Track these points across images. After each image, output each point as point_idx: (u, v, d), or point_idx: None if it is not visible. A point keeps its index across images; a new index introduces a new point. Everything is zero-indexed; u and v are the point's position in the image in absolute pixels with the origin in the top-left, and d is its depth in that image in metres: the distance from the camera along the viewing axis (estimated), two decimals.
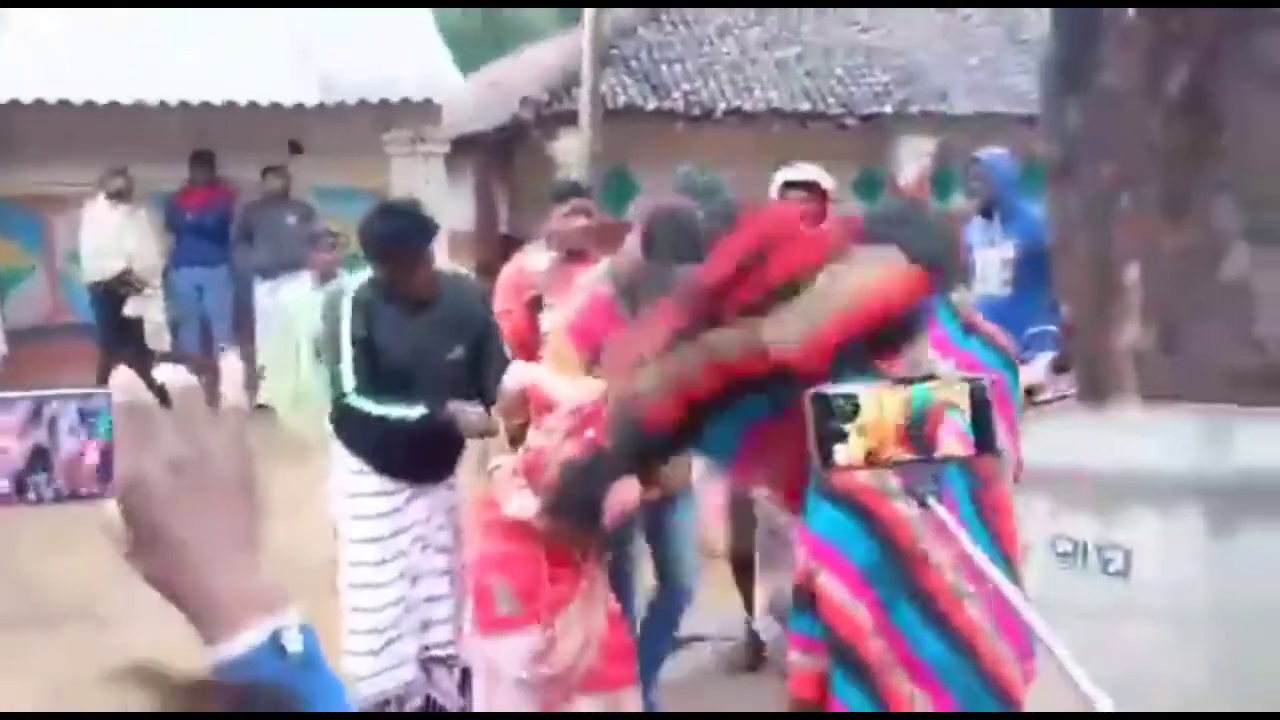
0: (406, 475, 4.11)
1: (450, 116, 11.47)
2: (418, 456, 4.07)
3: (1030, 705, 2.58)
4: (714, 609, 5.04)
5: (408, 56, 10.78)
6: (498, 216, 17.30)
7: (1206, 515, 3.49)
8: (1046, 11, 4.87)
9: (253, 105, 10.09)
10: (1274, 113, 4.23)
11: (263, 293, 10.16)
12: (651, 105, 13.52)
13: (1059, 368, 5.24)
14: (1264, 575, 3.46)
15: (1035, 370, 5.09)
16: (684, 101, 13.64)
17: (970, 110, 14.21)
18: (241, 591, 0.86)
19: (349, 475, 4.18)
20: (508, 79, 15.44)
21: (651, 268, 3.76)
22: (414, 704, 4.16)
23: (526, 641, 3.64)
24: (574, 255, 4.72)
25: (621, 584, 4.12)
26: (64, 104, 9.72)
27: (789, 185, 4.80)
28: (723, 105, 13.67)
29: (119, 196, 9.83)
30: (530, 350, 4.63)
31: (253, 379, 10.23)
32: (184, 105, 10.00)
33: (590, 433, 3.58)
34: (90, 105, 9.75)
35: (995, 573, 1.61)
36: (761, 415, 2.48)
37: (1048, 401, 4.88)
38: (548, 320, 4.77)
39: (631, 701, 3.83)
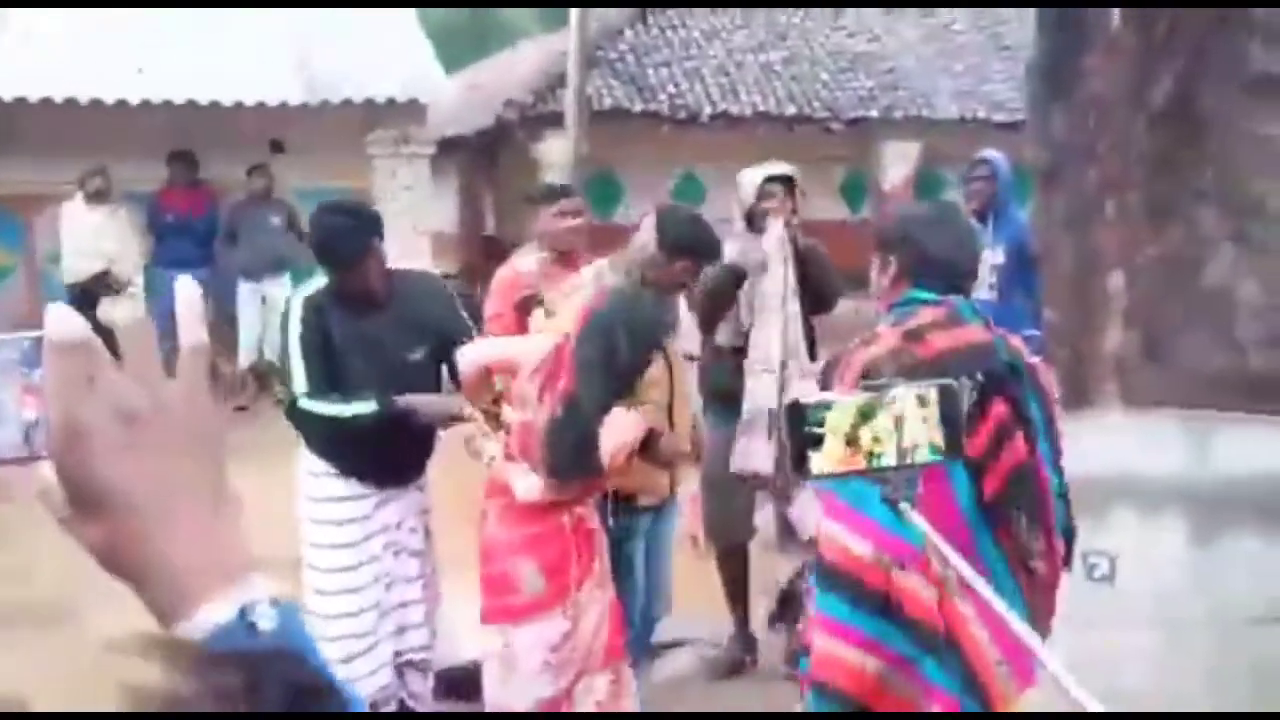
0: (374, 479, 4.06)
1: (435, 117, 11.45)
2: (384, 459, 4.01)
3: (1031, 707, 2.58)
4: (698, 612, 5.03)
5: (393, 57, 10.76)
6: (483, 218, 17.28)
7: (1190, 521, 3.51)
8: (1031, 18, 4.89)
9: (237, 105, 10.05)
10: (1257, 120, 4.25)
11: (245, 293, 10.13)
12: (638, 108, 13.53)
13: None
14: (1247, 581, 3.48)
15: None
16: (670, 104, 13.65)
17: (954, 116, 14.27)
18: (201, 561, 0.73)
19: (316, 479, 4.11)
20: (493, 80, 15.42)
21: (668, 261, 3.78)
22: (388, 709, 4.13)
23: (553, 623, 3.63)
24: (564, 256, 4.72)
25: (622, 579, 4.13)
26: (46, 102, 9.67)
27: (770, 180, 4.85)
28: (709, 108, 13.69)
29: (97, 197, 9.77)
30: None
31: (227, 350, 10.21)
32: (168, 104, 9.96)
33: (560, 385, 3.54)
34: (73, 104, 9.70)
35: (979, 582, 1.62)
36: None
37: None
38: (536, 321, 4.76)
39: (628, 674, 3.84)
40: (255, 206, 10.23)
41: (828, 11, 15.78)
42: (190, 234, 10.29)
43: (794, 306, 4.69)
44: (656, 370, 3.90)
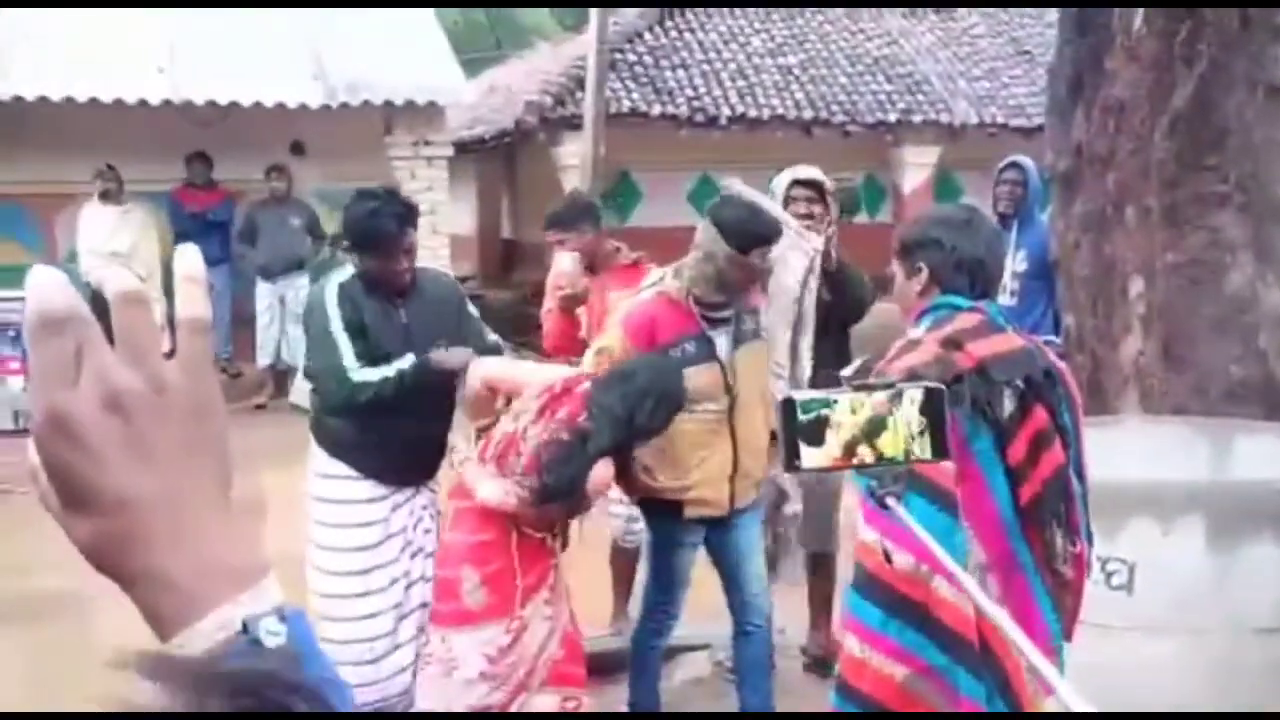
0: (393, 477, 4.10)
1: (454, 120, 11.47)
2: (405, 455, 4.05)
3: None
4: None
5: (412, 59, 10.78)
6: (500, 221, 17.31)
7: (1208, 529, 3.49)
8: (1050, 23, 4.88)
9: (257, 105, 10.09)
10: (1279, 125, 4.24)
11: (264, 293, 10.18)
12: (656, 111, 13.53)
13: None
14: (1266, 589, 3.46)
15: None
16: (688, 107, 13.66)
17: (972, 120, 14.24)
18: (202, 567, 0.65)
19: (331, 481, 4.13)
20: (512, 83, 15.45)
21: (743, 253, 3.80)
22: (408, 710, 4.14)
23: (493, 633, 3.62)
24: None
25: (664, 589, 4.11)
26: (69, 101, 9.73)
27: (797, 183, 4.80)
28: (727, 112, 13.69)
29: (107, 196, 9.84)
30: (568, 348, 4.67)
31: (257, 371, 10.24)
32: (189, 104, 10.01)
33: (562, 412, 3.56)
34: (94, 103, 9.75)
35: (965, 578, 1.64)
36: None
37: None
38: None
39: (587, 703, 3.82)
40: (275, 207, 10.28)
41: (846, 15, 15.77)
42: (209, 233, 10.34)
43: (809, 308, 4.62)
44: (706, 382, 3.86)
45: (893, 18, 15.86)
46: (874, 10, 15.89)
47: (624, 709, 4.26)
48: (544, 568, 3.68)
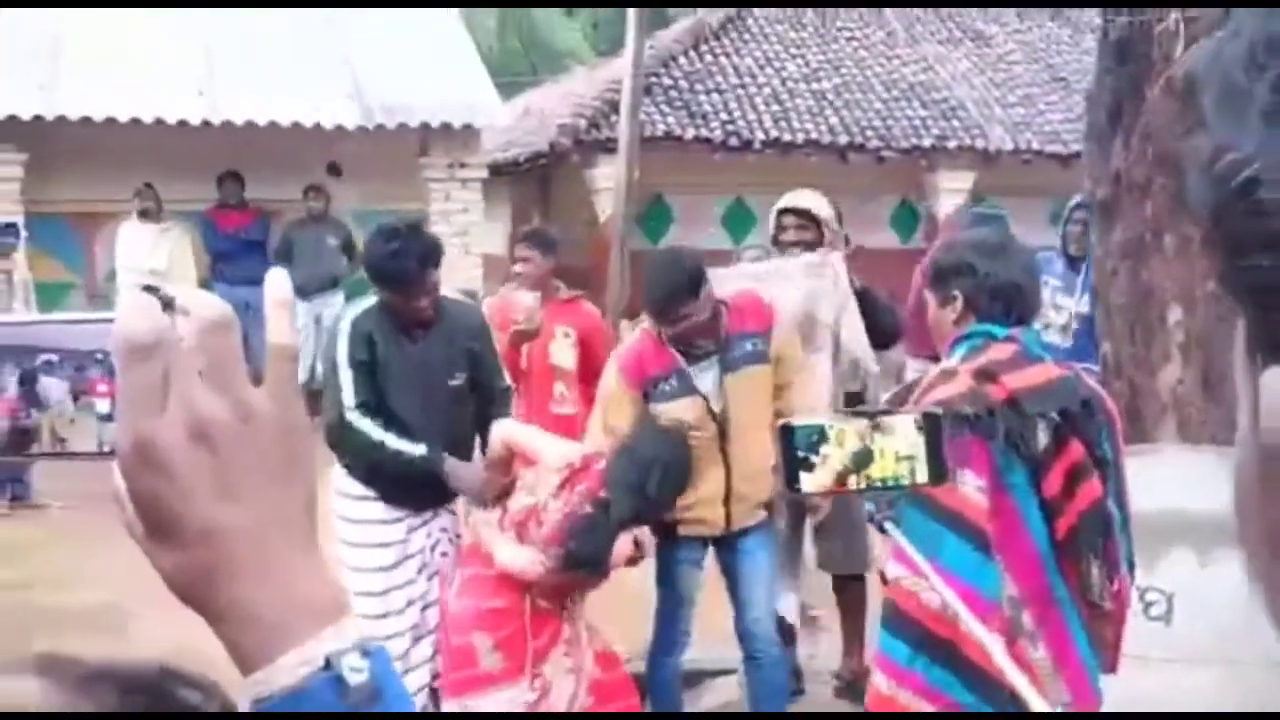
0: (410, 502, 4.08)
1: (489, 142, 11.54)
2: (422, 483, 4.04)
3: None
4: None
5: (448, 82, 10.86)
6: None
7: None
8: (1087, 50, 4.88)
9: (295, 126, 10.19)
10: None
11: (299, 311, 10.25)
12: (690, 134, 13.56)
13: None
14: None
15: None
16: (722, 131, 13.68)
17: (1007, 147, 14.20)
18: (286, 602, 0.63)
19: (351, 501, 4.14)
20: (546, 106, 15.53)
21: (659, 316, 3.97)
22: None
23: (515, 693, 3.67)
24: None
25: (664, 603, 4.13)
26: (110, 122, 9.85)
27: (783, 212, 4.80)
28: (761, 136, 13.70)
29: (145, 215, 9.96)
30: (512, 377, 4.85)
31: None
32: (227, 125, 10.11)
33: (581, 487, 3.67)
34: (137, 124, 9.87)
35: (952, 597, 1.64)
36: None
37: None
38: (559, 354, 5.19)
39: None
40: (311, 227, 10.37)
41: (882, 41, 15.78)
42: (244, 253, 10.45)
43: (845, 332, 4.61)
44: (687, 414, 3.94)
45: (928, 44, 15.85)
46: (909, 36, 15.90)
47: None
48: (555, 628, 3.76)
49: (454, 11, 12.45)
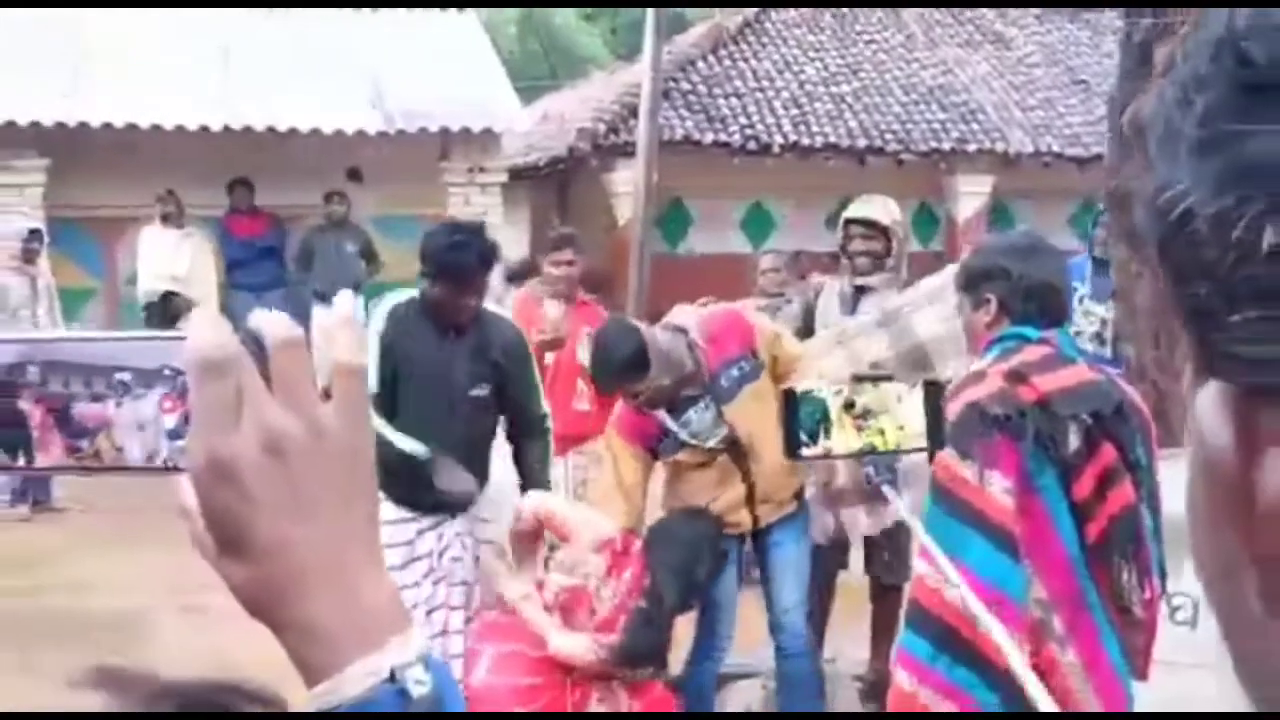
0: (420, 503, 4.03)
1: (508, 146, 11.56)
2: (429, 484, 3.97)
3: None
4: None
5: (468, 87, 10.89)
6: None
7: None
8: (1107, 52, 4.85)
9: (315, 132, 10.22)
10: None
11: (319, 317, 10.27)
12: (709, 138, 13.56)
13: None
14: None
15: None
16: (741, 135, 13.67)
17: (1027, 149, 14.15)
18: (353, 614, 0.65)
19: None
20: (566, 111, 15.54)
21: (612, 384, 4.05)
22: None
23: None
24: (563, 295, 5.31)
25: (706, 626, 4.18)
26: (131, 127, 9.90)
27: (850, 222, 4.75)
28: (779, 140, 13.69)
29: (167, 220, 10.00)
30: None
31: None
32: (247, 130, 10.15)
33: (626, 575, 3.71)
34: (157, 129, 9.92)
35: (970, 596, 1.64)
36: None
37: None
38: (584, 353, 5.15)
39: None
40: (331, 233, 10.39)
41: (901, 44, 15.75)
42: (260, 260, 10.50)
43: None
44: (697, 455, 3.98)
45: (947, 47, 15.82)
46: (928, 39, 15.86)
47: None
48: (589, 691, 3.77)
49: (474, 16, 12.48)
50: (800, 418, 1.61)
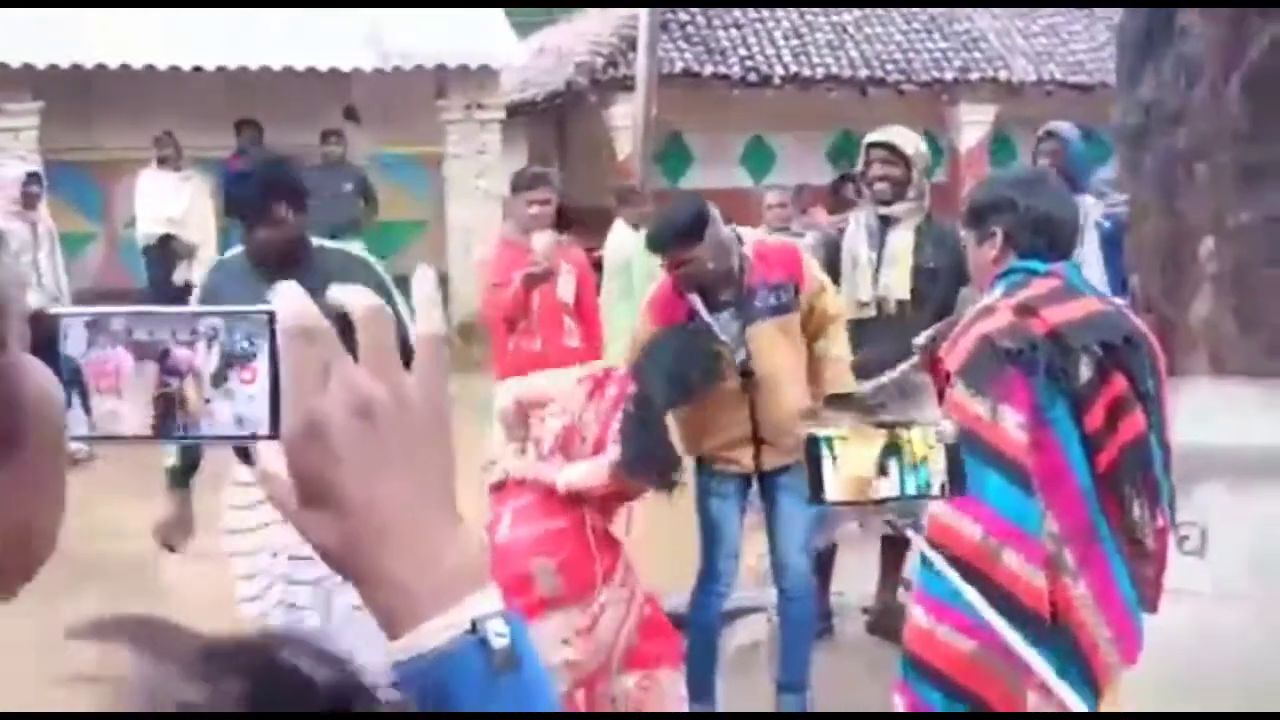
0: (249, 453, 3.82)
1: (505, 82, 11.45)
2: None
3: None
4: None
5: (465, 22, 10.76)
6: None
7: None
8: None
9: (310, 71, 10.12)
10: None
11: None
12: (708, 71, 13.43)
13: None
14: None
15: None
16: (740, 67, 13.53)
17: (1030, 78, 14.00)
18: (434, 570, 0.68)
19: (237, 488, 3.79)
20: (563, 45, 15.38)
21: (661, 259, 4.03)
22: None
23: (567, 619, 3.61)
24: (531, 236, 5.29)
25: (702, 539, 4.16)
26: (125, 69, 9.80)
27: (871, 146, 4.72)
28: (780, 71, 13.55)
29: (165, 162, 9.93)
30: (518, 322, 5.13)
31: None
32: (243, 70, 10.06)
33: (611, 390, 3.63)
34: (151, 70, 9.82)
35: (971, 592, 1.67)
36: None
37: None
38: (566, 290, 5.37)
39: (670, 681, 3.81)
40: (328, 172, 10.32)
41: None
42: None
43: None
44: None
45: None
46: None
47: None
48: (616, 551, 3.70)
49: None
50: (821, 460, 1.64)
